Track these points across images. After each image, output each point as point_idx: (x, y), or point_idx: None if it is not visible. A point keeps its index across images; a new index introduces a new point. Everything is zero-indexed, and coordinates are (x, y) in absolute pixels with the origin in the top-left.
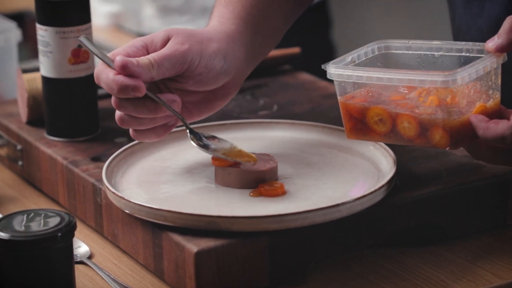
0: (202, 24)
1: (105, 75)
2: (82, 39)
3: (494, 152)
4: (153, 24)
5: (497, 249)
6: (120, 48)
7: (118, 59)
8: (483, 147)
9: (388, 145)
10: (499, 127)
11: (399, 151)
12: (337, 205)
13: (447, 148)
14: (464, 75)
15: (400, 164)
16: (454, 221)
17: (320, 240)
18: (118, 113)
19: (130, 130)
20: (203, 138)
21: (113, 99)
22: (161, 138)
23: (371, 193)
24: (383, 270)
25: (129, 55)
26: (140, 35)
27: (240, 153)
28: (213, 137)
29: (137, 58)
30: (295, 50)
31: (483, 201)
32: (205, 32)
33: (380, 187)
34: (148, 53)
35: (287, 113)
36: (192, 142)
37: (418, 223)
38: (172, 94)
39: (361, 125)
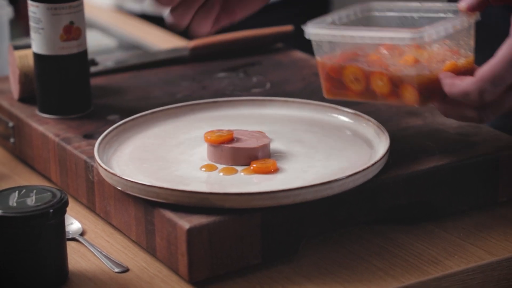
0: None
1: None
2: None
3: (460, 109)
4: None
5: (489, 226)
6: None
7: None
8: (451, 104)
9: (381, 122)
10: (463, 83)
11: (392, 128)
12: (329, 182)
13: (416, 105)
14: (432, 32)
15: (392, 141)
16: (446, 198)
17: (312, 217)
18: None
19: (170, 15)
20: None
21: None
22: (204, 33)
23: (363, 170)
24: (375, 247)
25: None
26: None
27: None
28: None
29: None
30: (288, 28)
31: (475, 178)
32: None
33: (373, 164)
34: None
35: (280, 91)
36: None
37: (410, 200)
38: None
39: (338, 84)
